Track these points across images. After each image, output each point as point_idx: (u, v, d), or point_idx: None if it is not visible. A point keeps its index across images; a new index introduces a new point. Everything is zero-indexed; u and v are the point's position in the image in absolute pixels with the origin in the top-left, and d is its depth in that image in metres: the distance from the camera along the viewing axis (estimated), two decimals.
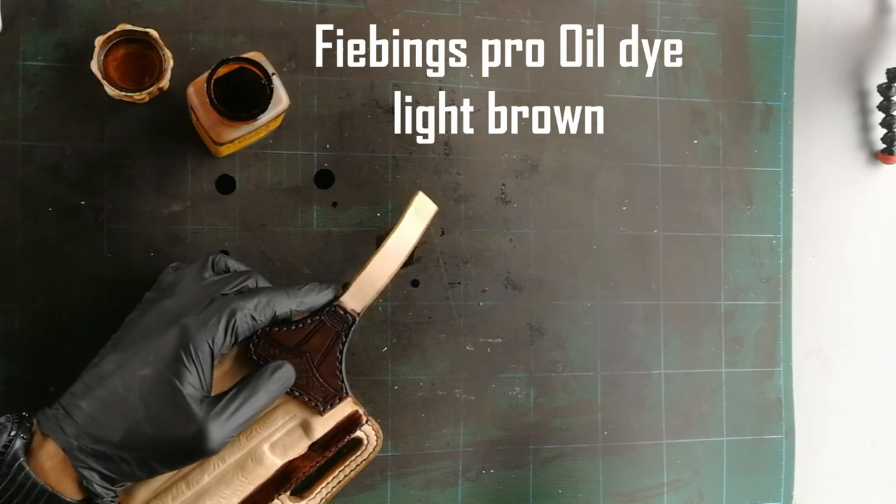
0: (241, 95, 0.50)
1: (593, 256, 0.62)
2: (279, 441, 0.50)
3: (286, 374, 0.48)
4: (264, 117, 0.49)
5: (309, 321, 0.50)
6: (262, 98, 0.48)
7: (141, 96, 0.52)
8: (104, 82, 0.52)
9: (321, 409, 0.50)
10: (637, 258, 0.63)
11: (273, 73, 0.48)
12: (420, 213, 0.52)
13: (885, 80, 0.67)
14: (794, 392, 0.66)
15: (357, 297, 0.51)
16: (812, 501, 0.66)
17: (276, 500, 0.50)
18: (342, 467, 0.52)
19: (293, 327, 0.50)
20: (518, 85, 0.61)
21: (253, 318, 0.46)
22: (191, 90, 0.49)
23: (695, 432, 0.63)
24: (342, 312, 0.50)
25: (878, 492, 0.69)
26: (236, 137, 0.50)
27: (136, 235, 0.54)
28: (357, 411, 0.51)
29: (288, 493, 0.50)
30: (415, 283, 0.59)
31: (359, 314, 0.51)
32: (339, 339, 0.50)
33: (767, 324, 0.65)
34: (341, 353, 0.50)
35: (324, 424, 0.51)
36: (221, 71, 0.48)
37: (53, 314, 0.53)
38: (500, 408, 0.60)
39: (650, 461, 0.63)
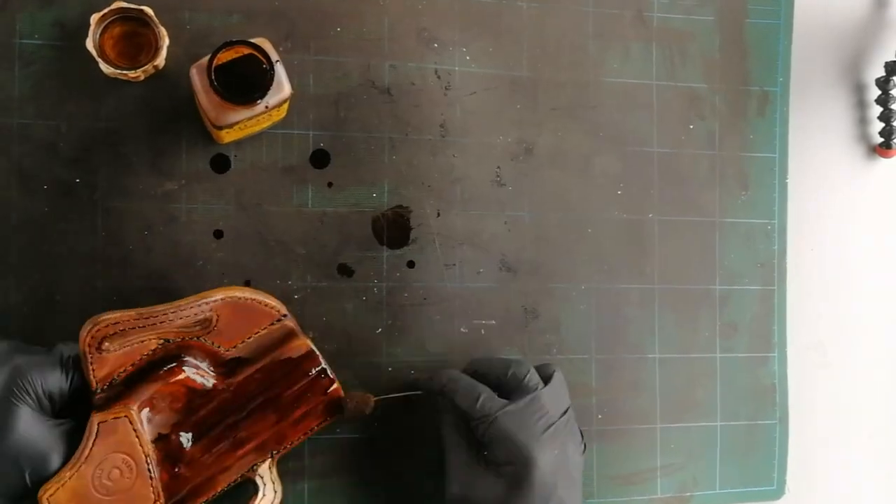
0: (248, 83, 0.49)
1: (588, 240, 0.62)
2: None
3: None
4: (263, 103, 0.49)
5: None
6: (264, 84, 0.48)
7: (136, 74, 0.52)
8: (100, 60, 0.52)
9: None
10: (632, 242, 0.63)
11: (277, 61, 0.48)
12: None
13: (884, 74, 0.67)
14: (791, 381, 0.66)
15: None
16: (805, 486, 0.66)
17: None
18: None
19: None
20: (514, 68, 0.61)
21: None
22: (193, 71, 0.49)
23: (689, 417, 0.64)
24: None
25: (870, 477, 0.69)
26: (235, 122, 0.50)
27: (130, 213, 0.54)
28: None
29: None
30: (411, 265, 0.59)
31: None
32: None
33: (762, 309, 0.65)
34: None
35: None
36: (226, 54, 0.48)
37: (48, 291, 0.53)
38: None
39: (644, 445, 0.63)
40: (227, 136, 0.53)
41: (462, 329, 0.60)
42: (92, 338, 0.46)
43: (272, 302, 0.51)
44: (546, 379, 0.52)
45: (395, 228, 0.59)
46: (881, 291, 0.69)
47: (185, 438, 0.49)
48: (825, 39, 0.67)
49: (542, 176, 0.61)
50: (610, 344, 0.62)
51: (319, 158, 0.57)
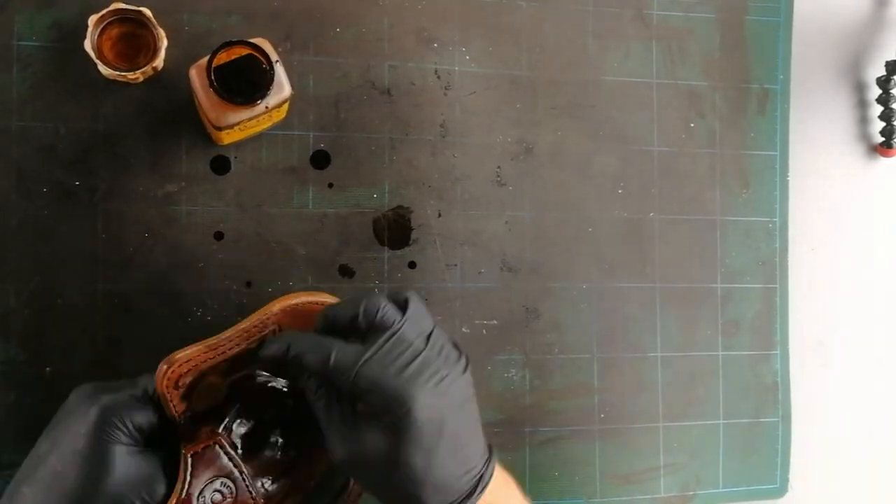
0: (247, 83, 0.49)
1: (589, 239, 0.62)
2: None
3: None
4: (264, 104, 0.49)
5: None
6: (264, 84, 0.48)
7: (135, 76, 0.52)
8: (98, 62, 0.51)
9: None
10: (633, 241, 0.63)
11: (277, 61, 0.48)
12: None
13: (884, 73, 0.67)
14: (793, 379, 0.66)
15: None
16: (808, 484, 0.66)
17: None
18: None
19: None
20: (514, 67, 0.61)
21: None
22: (193, 72, 0.49)
23: (691, 415, 0.64)
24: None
25: (873, 475, 0.69)
26: (236, 123, 0.49)
27: (130, 216, 0.54)
28: None
29: None
30: (412, 265, 0.59)
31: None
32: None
33: (764, 307, 0.65)
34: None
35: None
36: (225, 54, 0.48)
37: (49, 294, 0.53)
38: (496, 390, 0.60)
39: (647, 444, 0.63)
40: (227, 138, 0.53)
41: (464, 329, 0.59)
42: (168, 379, 0.45)
43: (327, 299, 0.49)
44: (402, 306, 0.46)
45: (395, 229, 0.59)
46: (882, 289, 0.69)
47: (275, 442, 0.48)
48: (826, 37, 0.67)
49: (542, 175, 0.61)
50: (611, 343, 0.62)
51: (320, 159, 0.57)
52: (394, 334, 0.44)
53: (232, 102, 0.48)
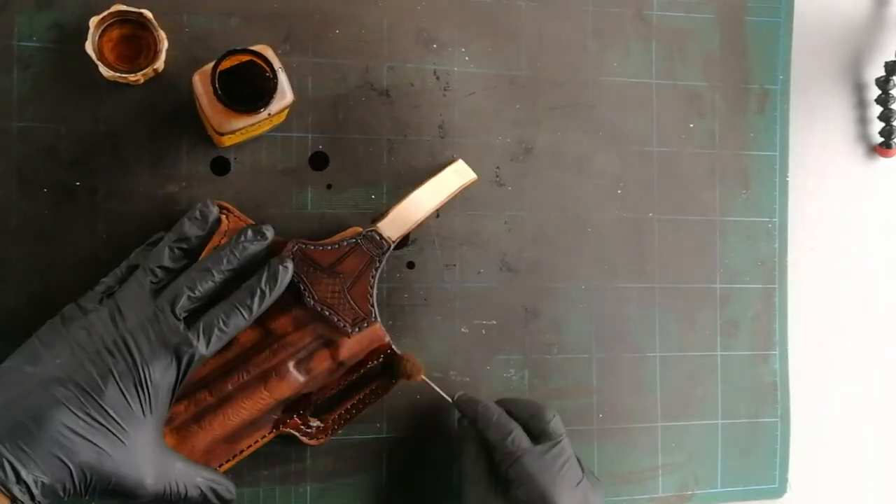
0: (248, 88, 0.50)
1: (588, 239, 0.62)
2: (304, 359, 0.52)
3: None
4: (266, 111, 0.49)
5: (345, 243, 0.53)
6: (267, 92, 0.48)
7: (135, 77, 0.52)
8: (99, 63, 0.52)
9: (349, 330, 0.52)
10: (632, 241, 0.63)
11: (280, 68, 0.49)
12: (458, 173, 0.56)
13: (884, 74, 0.67)
14: (792, 379, 0.66)
15: (393, 226, 0.53)
16: (807, 484, 0.66)
17: (296, 419, 0.53)
18: (366, 391, 0.55)
19: (328, 247, 0.52)
20: (513, 67, 0.61)
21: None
22: (196, 78, 0.49)
23: (690, 415, 0.64)
24: (378, 238, 0.53)
25: (872, 475, 0.69)
26: (238, 129, 0.50)
27: (131, 216, 0.54)
28: (385, 340, 0.54)
29: (309, 412, 0.53)
30: (410, 265, 0.59)
31: (394, 242, 0.53)
32: (372, 263, 0.53)
33: (763, 307, 0.65)
34: (374, 277, 0.53)
35: (350, 347, 0.53)
36: (228, 61, 0.48)
37: (49, 295, 0.53)
38: (496, 390, 0.60)
39: (645, 444, 0.63)
40: (228, 140, 0.53)
41: (463, 329, 0.60)
42: None
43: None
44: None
45: None
46: (881, 289, 0.69)
47: None
48: (825, 38, 0.67)
49: (541, 175, 0.61)
50: (610, 343, 0.62)
51: (318, 161, 0.57)
52: (558, 443, 0.52)
53: (235, 111, 0.48)
